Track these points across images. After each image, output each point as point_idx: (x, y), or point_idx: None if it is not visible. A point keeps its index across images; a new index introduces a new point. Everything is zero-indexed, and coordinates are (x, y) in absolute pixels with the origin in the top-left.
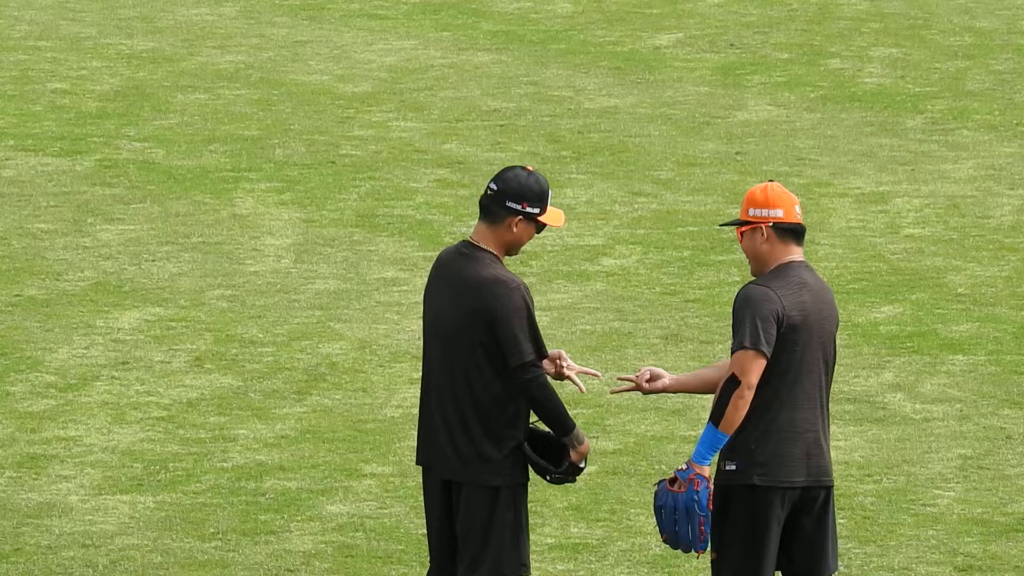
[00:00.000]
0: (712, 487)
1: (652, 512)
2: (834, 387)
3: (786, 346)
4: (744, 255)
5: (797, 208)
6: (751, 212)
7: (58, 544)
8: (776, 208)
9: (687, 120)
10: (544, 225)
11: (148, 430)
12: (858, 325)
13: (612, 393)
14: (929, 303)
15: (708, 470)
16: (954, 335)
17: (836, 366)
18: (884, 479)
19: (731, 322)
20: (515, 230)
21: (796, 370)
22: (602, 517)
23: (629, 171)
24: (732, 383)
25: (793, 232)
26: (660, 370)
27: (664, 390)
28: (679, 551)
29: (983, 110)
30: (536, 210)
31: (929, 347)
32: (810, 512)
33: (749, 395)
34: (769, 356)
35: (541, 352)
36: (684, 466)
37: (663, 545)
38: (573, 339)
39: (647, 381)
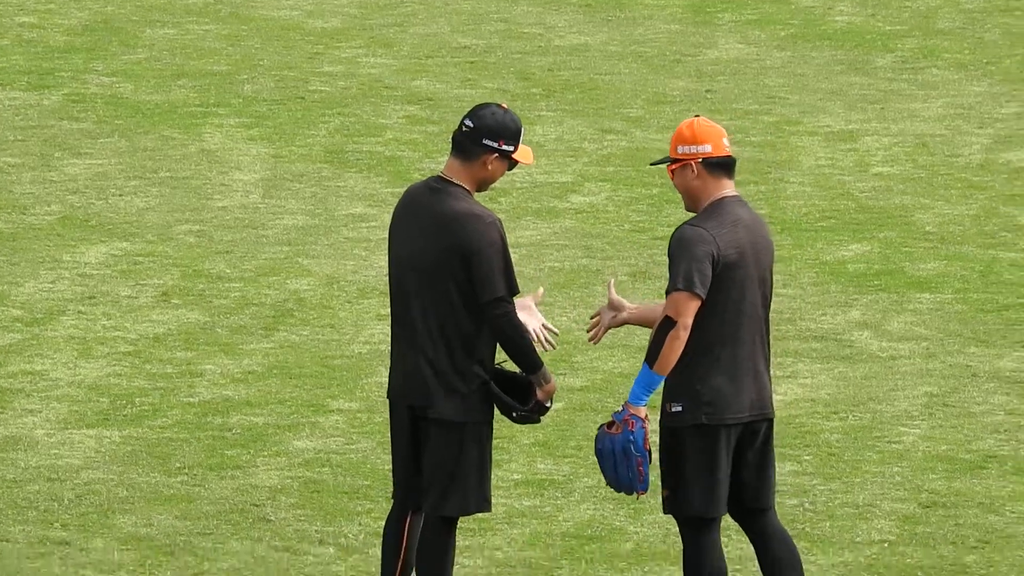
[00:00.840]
0: (647, 427)
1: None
2: (801, 325)
3: (724, 284)
4: (677, 192)
5: (726, 141)
6: (680, 149)
7: (24, 478)
8: (704, 143)
9: (657, 58)
10: (516, 163)
11: (114, 365)
12: (826, 263)
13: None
14: (897, 241)
15: (644, 410)
16: (921, 273)
17: (802, 304)
18: (850, 416)
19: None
20: (489, 167)
21: (736, 307)
22: (568, 453)
23: (599, 108)
24: (667, 324)
25: (723, 166)
26: (620, 299)
27: (625, 323)
28: (623, 493)
29: (953, 49)
30: (511, 148)
31: (896, 285)
32: (753, 445)
33: (684, 335)
34: (704, 297)
35: (513, 289)
36: (620, 408)
37: None
38: (541, 276)
39: (609, 310)
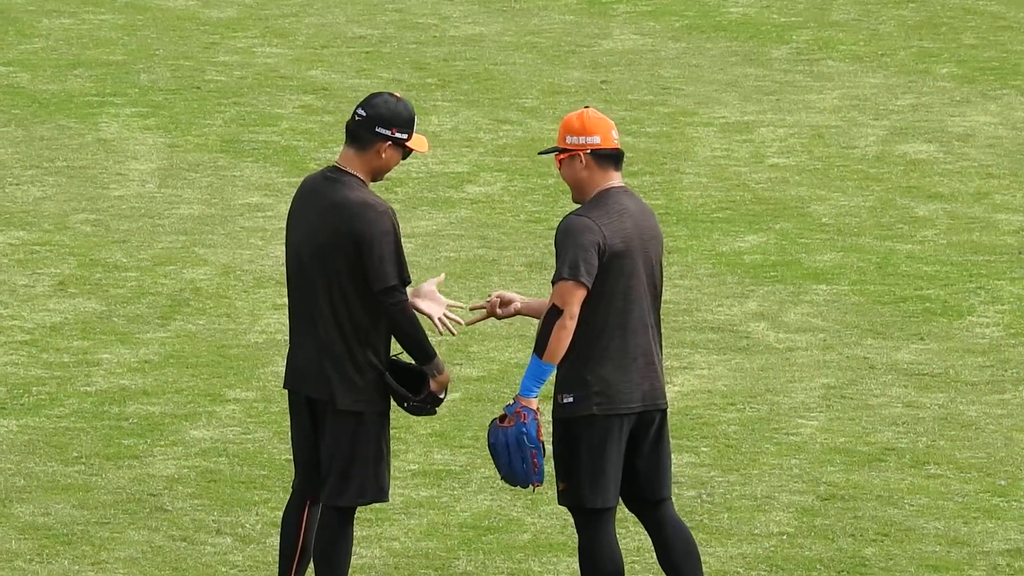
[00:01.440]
0: (540, 418)
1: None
2: (698, 316)
3: (611, 274)
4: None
5: (614, 133)
6: (568, 140)
7: None
8: (593, 135)
9: (552, 48)
10: (410, 151)
11: (11, 354)
12: (722, 254)
13: (468, 324)
14: (793, 233)
15: (535, 402)
16: (818, 265)
17: (699, 295)
18: (747, 408)
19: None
20: (383, 156)
21: (624, 297)
22: (465, 444)
23: (494, 99)
24: (553, 313)
25: (611, 158)
26: (511, 294)
27: (516, 313)
28: (519, 487)
29: (848, 40)
30: (405, 136)
31: (793, 276)
32: (647, 435)
33: (571, 325)
34: (590, 286)
35: (404, 278)
36: (512, 401)
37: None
38: (437, 266)
39: (500, 307)
